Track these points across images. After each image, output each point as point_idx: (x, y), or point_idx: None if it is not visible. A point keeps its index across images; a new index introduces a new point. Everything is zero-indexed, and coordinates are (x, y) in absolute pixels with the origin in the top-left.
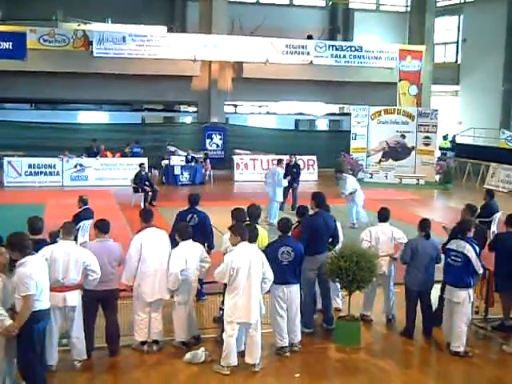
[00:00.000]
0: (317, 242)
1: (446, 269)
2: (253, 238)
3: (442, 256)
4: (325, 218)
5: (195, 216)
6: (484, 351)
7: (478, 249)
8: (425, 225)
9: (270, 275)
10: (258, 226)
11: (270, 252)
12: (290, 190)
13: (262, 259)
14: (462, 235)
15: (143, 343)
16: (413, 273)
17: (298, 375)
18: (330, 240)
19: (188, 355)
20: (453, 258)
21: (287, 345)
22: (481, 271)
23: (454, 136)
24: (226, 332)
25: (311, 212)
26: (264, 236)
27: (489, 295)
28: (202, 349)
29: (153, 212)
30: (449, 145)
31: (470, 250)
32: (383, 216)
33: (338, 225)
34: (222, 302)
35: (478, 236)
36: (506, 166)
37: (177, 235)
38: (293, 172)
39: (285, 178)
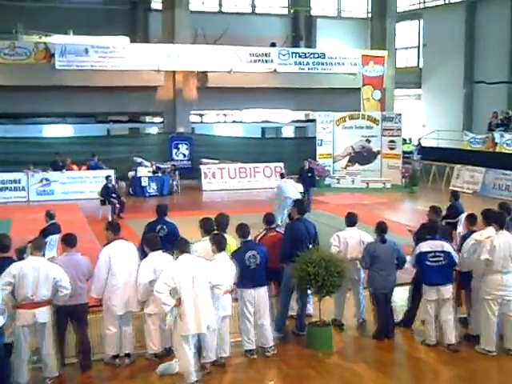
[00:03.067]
0: (298, 249)
1: (427, 271)
2: (221, 247)
3: (408, 258)
4: (306, 224)
5: (164, 227)
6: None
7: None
8: (380, 229)
9: (221, 280)
10: (226, 235)
11: (237, 258)
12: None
13: (208, 267)
14: (431, 236)
15: (115, 357)
16: (374, 277)
17: (272, 382)
18: (311, 246)
19: (161, 367)
20: (431, 259)
21: (254, 348)
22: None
23: (420, 139)
24: (179, 349)
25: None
26: (233, 245)
27: (458, 295)
28: (176, 360)
29: (120, 224)
30: (411, 148)
31: (448, 246)
32: (351, 221)
33: None
34: None
35: (444, 237)
36: (469, 167)
37: (145, 246)
38: (308, 176)
39: (300, 182)
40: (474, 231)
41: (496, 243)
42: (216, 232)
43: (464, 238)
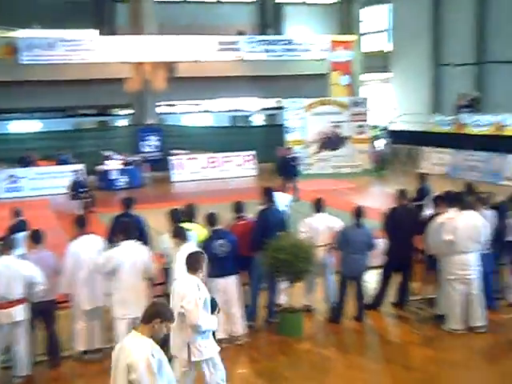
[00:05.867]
0: (268, 236)
1: None
2: (182, 238)
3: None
4: (275, 211)
5: (131, 218)
6: (424, 331)
7: None
8: (356, 213)
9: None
10: (197, 224)
11: (206, 247)
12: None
13: (147, 256)
14: None
15: (85, 352)
16: (346, 260)
17: (242, 371)
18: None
19: None
20: None
21: (224, 337)
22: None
23: (389, 123)
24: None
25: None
26: (203, 234)
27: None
28: None
29: (87, 219)
30: (379, 132)
31: None
32: (318, 206)
33: None
34: None
35: (412, 219)
36: (438, 149)
37: (119, 235)
38: (291, 165)
39: (282, 170)
40: (440, 213)
41: (457, 224)
42: (176, 224)
43: (430, 219)
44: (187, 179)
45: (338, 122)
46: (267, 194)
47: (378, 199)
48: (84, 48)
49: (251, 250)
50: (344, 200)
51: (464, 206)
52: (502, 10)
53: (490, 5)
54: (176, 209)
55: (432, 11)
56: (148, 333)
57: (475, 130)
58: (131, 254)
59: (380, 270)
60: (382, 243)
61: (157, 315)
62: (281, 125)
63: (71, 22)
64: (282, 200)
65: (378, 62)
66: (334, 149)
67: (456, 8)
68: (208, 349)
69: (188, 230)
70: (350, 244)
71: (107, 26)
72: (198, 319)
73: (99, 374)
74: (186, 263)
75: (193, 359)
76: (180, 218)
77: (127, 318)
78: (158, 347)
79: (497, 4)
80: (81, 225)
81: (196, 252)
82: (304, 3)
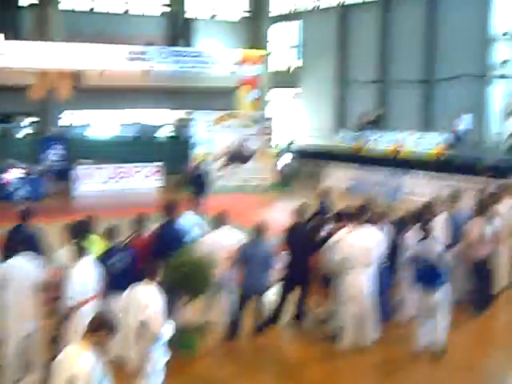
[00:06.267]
0: (169, 252)
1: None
2: (80, 253)
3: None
4: (176, 227)
5: (25, 232)
6: (321, 347)
7: None
8: (258, 229)
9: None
10: (96, 238)
11: (104, 262)
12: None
13: (40, 271)
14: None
15: None
16: (247, 277)
17: None
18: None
19: None
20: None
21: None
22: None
23: (295, 138)
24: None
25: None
26: (101, 248)
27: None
28: None
29: None
30: (285, 148)
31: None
32: (220, 221)
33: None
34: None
35: (310, 235)
36: (341, 165)
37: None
38: (201, 181)
39: (192, 184)
40: (338, 229)
41: (353, 240)
42: (77, 237)
43: (329, 235)
44: (92, 190)
45: (246, 136)
46: (168, 208)
47: (282, 214)
48: None
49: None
50: (249, 215)
51: (361, 221)
52: (403, 30)
53: (392, 26)
54: (74, 223)
55: (339, 30)
56: (91, 344)
57: (377, 147)
58: (21, 269)
59: (279, 286)
60: (282, 259)
61: (101, 327)
62: (189, 137)
63: None
64: (190, 219)
65: (287, 78)
66: (241, 163)
67: (361, 28)
68: (163, 357)
69: (86, 244)
70: (250, 260)
71: (12, 32)
72: (160, 328)
73: None
74: (145, 273)
75: (150, 368)
76: (78, 231)
77: (18, 335)
78: (100, 359)
79: (398, 25)
80: None
81: (153, 261)
82: (213, 18)
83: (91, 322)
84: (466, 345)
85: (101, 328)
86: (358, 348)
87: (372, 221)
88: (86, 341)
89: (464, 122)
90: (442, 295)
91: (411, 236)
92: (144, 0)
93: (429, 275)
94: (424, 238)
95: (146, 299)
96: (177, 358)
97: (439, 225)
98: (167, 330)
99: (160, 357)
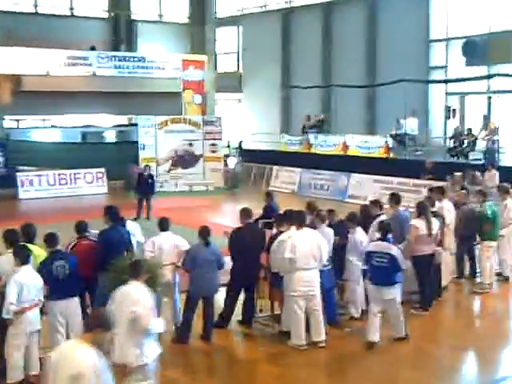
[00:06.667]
0: (113, 257)
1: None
2: (23, 260)
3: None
4: (120, 231)
5: None
6: (271, 348)
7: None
8: (203, 233)
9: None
10: (35, 245)
11: (43, 269)
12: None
13: None
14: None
15: None
16: (195, 280)
17: None
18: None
19: None
20: (377, 259)
21: None
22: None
23: (241, 142)
24: None
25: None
26: (42, 255)
27: (271, 293)
28: None
29: None
30: (232, 151)
31: (394, 249)
32: (164, 225)
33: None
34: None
35: (256, 237)
36: (287, 168)
37: None
38: (148, 183)
39: (137, 188)
40: (282, 231)
41: (296, 242)
42: (18, 244)
43: (274, 237)
44: (35, 196)
45: (191, 140)
46: (110, 213)
47: (229, 217)
48: None
49: (94, 270)
50: (196, 218)
51: (303, 223)
52: (345, 34)
53: (335, 30)
54: (12, 229)
55: (282, 35)
56: (90, 342)
57: (321, 150)
58: None
59: (227, 288)
60: (229, 261)
61: (99, 324)
62: (133, 142)
63: None
64: (133, 224)
65: (231, 82)
66: (186, 167)
67: (304, 32)
68: (152, 351)
69: (27, 251)
70: (198, 263)
71: None
72: (150, 323)
73: None
74: (131, 272)
75: (140, 363)
76: (16, 238)
77: None
78: (100, 355)
79: (341, 29)
80: None
81: (136, 261)
82: (158, 21)
83: (90, 319)
84: (416, 336)
85: (98, 325)
86: (309, 345)
87: (316, 222)
88: (85, 338)
89: (406, 125)
90: (396, 292)
91: (357, 237)
92: (89, 2)
93: (385, 273)
94: (381, 238)
95: (136, 295)
96: None
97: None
98: (157, 325)
99: (151, 350)
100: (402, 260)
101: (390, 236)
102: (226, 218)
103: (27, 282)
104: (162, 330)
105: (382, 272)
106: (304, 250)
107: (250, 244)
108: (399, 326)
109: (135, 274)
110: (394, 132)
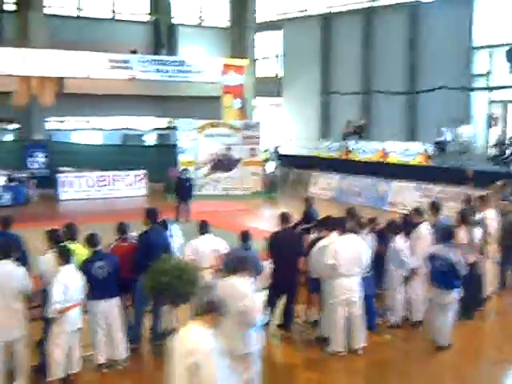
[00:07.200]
0: (152, 258)
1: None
2: (65, 259)
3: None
4: (159, 233)
5: (8, 238)
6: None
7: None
8: (245, 236)
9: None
10: (78, 244)
11: (86, 268)
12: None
13: (23, 277)
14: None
15: None
16: None
17: None
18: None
19: None
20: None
21: (104, 361)
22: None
23: (277, 147)
24: None
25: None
26: (83, 255)
27: (308, 298)
28: None
29: None
30: (270, 156)
31: (455, 256)
32: (204, 228)
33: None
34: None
35: (294, 242)
36: (326, 173)
37: None
38: (187, 186)
39: (177, 191)
40: (322, 237)
41: (338, 248)
42: (60, 244)
43: (313, 243)
44: (75, 197)
45: (230, 144)
46: (151, 215)
47: (267, 221)
48: None
49: (134, 272)
50: (234, 222)
51: (345, 230)
52: (386, 40)
53: (376, 36)
54: (55, 229)
55: (322, 40)
56: (205, 323)
57: (361, 156)
58: (6, 275)
59: (266, 292)
60: (268, 266)
61: (215, 309)
62: (173, 145)
63: None
64: (173, 226)
65: (270, 87)
66: (225, 171)
67: (344, 38)
68: (257, 340)
69: (69, 251)
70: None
71: None
72: (257, 316)
73: None
74: (236, 267)
75: (246, 351)
76: (59, 238)
77: (4, 341)
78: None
79: (382, 35)
80: None
81: (243, 255)
82: (198, 25)
83: (207, 303)
84: (457, 346)
85: (214, 309)
86: (348, 352)
87: (356, 229)
88: (202, 320)
89: (448, 132)
90: (453, 298)
91: (397, 245)
92: (131, 6)
93: (445, 277)
94: (443, 242)
95: (243, 289)
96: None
97: (423, 233)
98: (263, 318)
99: (256, 340)
100: (463, 266)
101: (452, 241)
102: (264, 222)
103: (70, 282)
104: (265, 321)
105: (442, 275)
106: (346, 256)
107: (287, 248)
108: (446, 334)
109: (240, 268)
110: (438, 138)
